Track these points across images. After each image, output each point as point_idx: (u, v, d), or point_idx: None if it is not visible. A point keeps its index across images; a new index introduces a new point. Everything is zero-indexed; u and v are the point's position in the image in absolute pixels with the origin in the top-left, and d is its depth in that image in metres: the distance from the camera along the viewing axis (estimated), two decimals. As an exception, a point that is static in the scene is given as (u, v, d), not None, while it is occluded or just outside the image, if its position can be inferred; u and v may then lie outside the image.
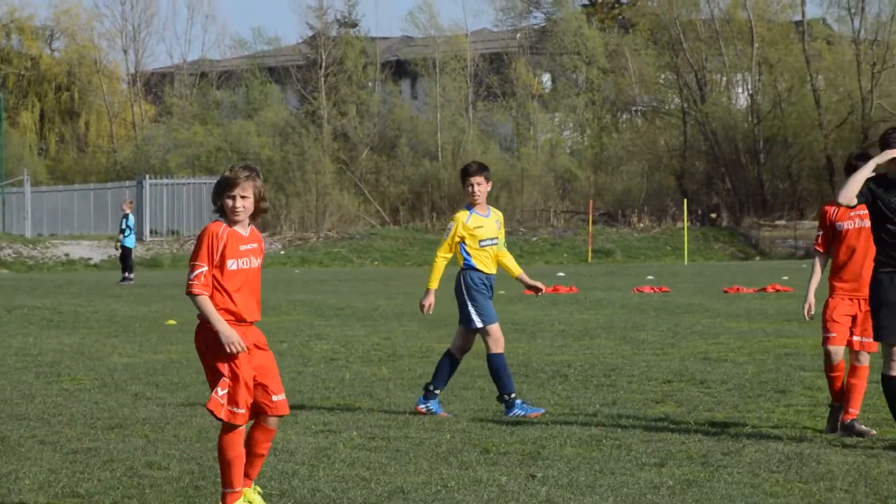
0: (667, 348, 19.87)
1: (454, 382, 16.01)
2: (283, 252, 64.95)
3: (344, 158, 77.67)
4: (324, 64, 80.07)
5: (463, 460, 10.75)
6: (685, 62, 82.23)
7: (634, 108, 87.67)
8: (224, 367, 8.68)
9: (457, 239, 13.23)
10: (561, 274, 48.63)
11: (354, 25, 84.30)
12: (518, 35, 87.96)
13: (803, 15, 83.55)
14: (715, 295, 34.00)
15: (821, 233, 12.27)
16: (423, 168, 78.03)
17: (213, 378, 8.75)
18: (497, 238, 13.42)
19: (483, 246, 13.27)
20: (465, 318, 13.21)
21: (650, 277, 44.28)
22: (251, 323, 8.80)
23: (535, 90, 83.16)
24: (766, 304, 29.96)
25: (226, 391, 8.70)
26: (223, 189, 8.66)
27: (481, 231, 13.25)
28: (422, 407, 13.29)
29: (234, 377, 8.68)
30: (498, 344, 13.25)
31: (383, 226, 73.24)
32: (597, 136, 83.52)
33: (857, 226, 12.11)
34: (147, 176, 68.18)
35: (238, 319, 8.70)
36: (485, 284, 13.26)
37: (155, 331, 23.80)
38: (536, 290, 13.69)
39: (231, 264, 8.65)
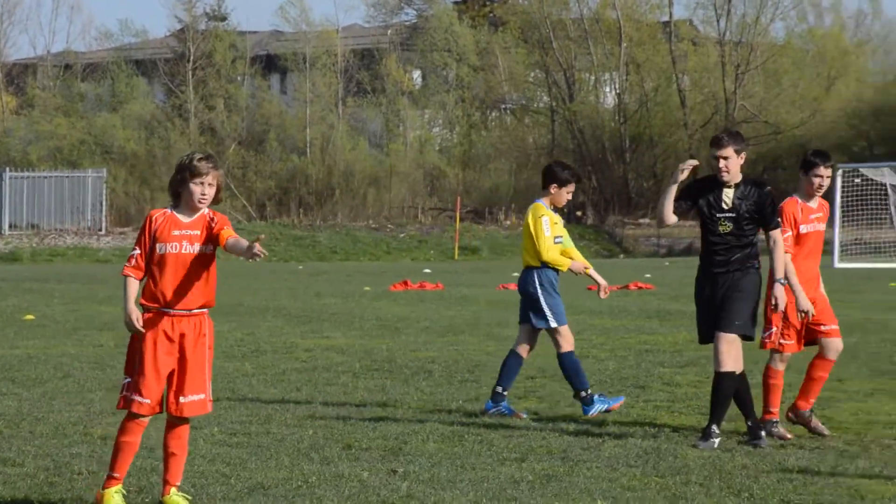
0: (531, 344, 19.97)
1: (317, 378, 15.95)
2: (148, 247, 64.22)
3: (211, 153, 77.08)
4: (192, 57, 79.33)
5: (325, 456, 10.72)
6: (554, 61, 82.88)
7: (504, 106, 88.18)
8: (134, 355, 8.71)
9: (551, 234, 12.98)
10: (427, 270, 48.73)
11: (223, 19, 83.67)
12: (389, 31, 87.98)
13: (671, 16, 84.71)
14: (579, 292, 34.30)
15: (791, 233, 11.72)
16: (291, 163, 77.70)
17: (125, 370, 8.80)
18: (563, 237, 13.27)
19: (558, 242, 13.10)
20: (540, 317, 13.03)
21: (516, 275, 44.51)
22: (186, 312, 8.71)
23: (406, 87, 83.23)
24: (629, 301, 30.30)
25: (127, 380, 8.70)
26: (189, 177, 8.70)
27: (557, 228, 13.10)
28: (492, 411, 13.01)
29: (142, 365, 8.65)
30: (568, 342, 13.05)
31: (250, 221, 72.76)
32: (466, 134, 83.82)
33: (815, 229, 11.79)
34: (7, 168, 66.95)
35: (163, 305, 8.67)
36: (554, 281, 13.07)
37: (12, 326, 23.40)
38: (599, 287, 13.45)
39: (160, 248, 8.70)
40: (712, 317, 11.36)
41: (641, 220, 77.03)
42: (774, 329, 11.81)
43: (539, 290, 12.98)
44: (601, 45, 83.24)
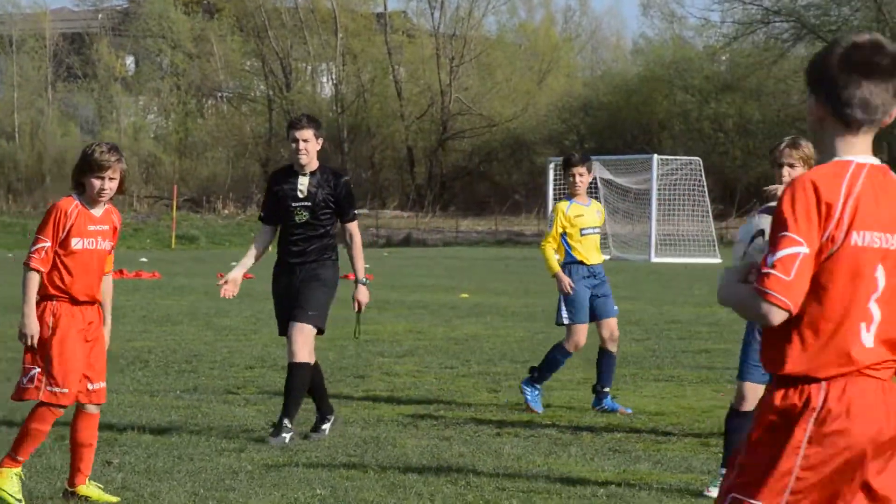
0: (249, 334, 19.89)
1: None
2: None
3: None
4: None
5: (37, 448, 10.44)
6: (271, 50, 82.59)
7: (220, 94, 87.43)
8: (44, 345, 8.49)
9: (559, 230, 12.80)
10: (144, 259, 47.96)
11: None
12: (100, 16, 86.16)
13: (385, 7, 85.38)
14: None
15: None
16: (-1, 149, 75.45)
17: (31, 360, 8.57)
18: (599, 227, 13.03)
19: (585, 234, 12.85)
20: (557, 312, 12.84)
21: (234, 264, 44.19)
22: (92, 301, 8.66)
23: (119, 72, 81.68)
24: (349, 290, 30.38)
25: (34, 373, 8.51)
26: (91, 170, 8.53)
27: (582, 220, 12.84)
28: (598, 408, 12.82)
29: (60, 356, 8.48)
30: (571, 344, 12.71)
31: (-45, 208, 70.40)
32: (182, 122, 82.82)
33: None
34: None
35: (72, 299, 8.55)
36: (584, 277, 12.80)
37: None
38: None
39: (76, 243, 8.55)
40: (289, 308, 11.00)
41: (360, 211, 77.45)
42: None
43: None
44: (317, 35, 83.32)
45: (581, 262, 12.83)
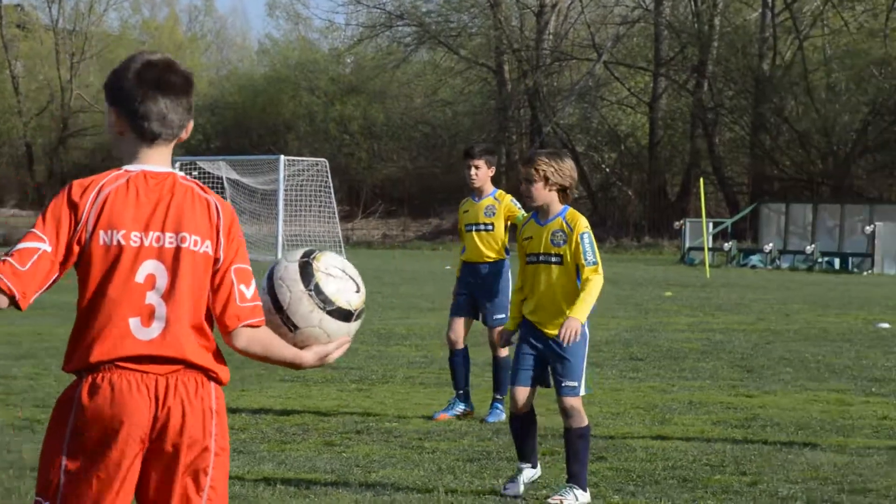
0: None
1: None
2: None
3: None
4: None
5: None
6: None
7: None
8: None
9: (460, 226, 12.52)
10: None
11: None
12: None
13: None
14: None
15: None
16: None
17: None
18: (484, 224, 12.24)
19: (468, 231, 12.41)
20: None
21: None
22: None
23: None
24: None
25: None
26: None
27: (467, 216, 12.47)
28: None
29: None
30: (451, 340, 12.38)
31: None
32: None
33: None
34: None
35: None
36: (467, 273, 12.39)
37: None
38: None
39: None
40: None
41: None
42: None
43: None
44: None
45: (463, 261, 12.50)
